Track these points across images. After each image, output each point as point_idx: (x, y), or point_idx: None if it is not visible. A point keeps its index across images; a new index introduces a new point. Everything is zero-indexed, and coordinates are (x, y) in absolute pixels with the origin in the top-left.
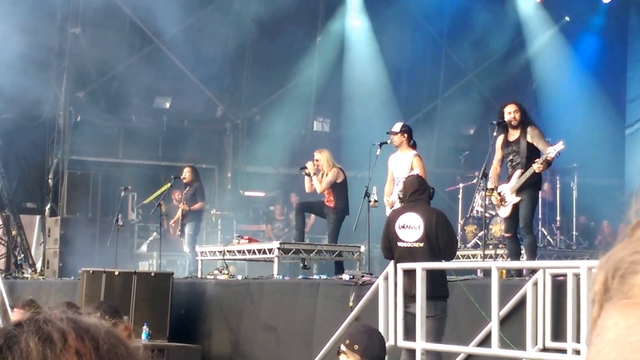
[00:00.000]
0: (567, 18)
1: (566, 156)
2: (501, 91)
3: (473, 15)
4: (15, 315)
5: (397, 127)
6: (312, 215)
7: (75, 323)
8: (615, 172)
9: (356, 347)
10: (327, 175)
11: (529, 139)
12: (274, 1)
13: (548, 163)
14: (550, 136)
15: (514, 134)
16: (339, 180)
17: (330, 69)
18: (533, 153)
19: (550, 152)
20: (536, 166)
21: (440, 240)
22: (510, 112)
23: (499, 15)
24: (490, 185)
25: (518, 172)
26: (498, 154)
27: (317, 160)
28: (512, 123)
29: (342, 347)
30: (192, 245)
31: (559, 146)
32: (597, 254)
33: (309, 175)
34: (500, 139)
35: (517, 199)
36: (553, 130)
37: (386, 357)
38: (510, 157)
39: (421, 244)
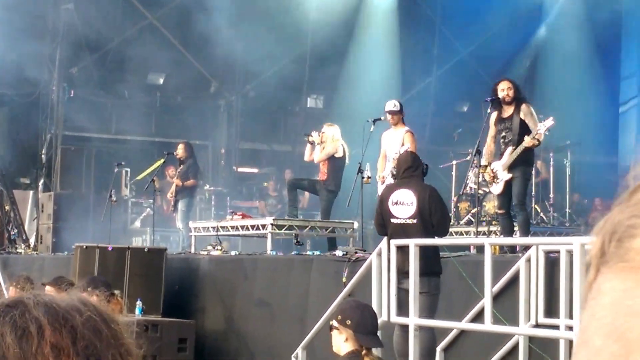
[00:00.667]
0: None
1: (560, 134)
2: (495, 69)
3: None
4: (11, 293)
5: (396, 105)
6: (307, 192)
7: (53, 312)
8: (608, 149)
9: (348, 322)
10: (327, 147)
11: (522, 116)
12: None
13: (538, 140)
14: (544, 114)
15: (507, 111)
16: (337, 155)
17: (324, 46)
18: (525, 130)
19: (540, 128)
20: (526, 141)
21: (434, 217)
22: (503, 89)
23: None
24: (483, 162)
25: (510, 149)
26: (492, 131)
27: (323, 132)
28: (506, 100)
29: (335, 323)
30: (185, 221)
31: (549, 122)
32: (590, 231)
33: (312, 143)
34: (494, 116)
35: (509, 175)
36: (547, 108)
37: (379, 333)
38: (503, 133)
39: (414, 220)
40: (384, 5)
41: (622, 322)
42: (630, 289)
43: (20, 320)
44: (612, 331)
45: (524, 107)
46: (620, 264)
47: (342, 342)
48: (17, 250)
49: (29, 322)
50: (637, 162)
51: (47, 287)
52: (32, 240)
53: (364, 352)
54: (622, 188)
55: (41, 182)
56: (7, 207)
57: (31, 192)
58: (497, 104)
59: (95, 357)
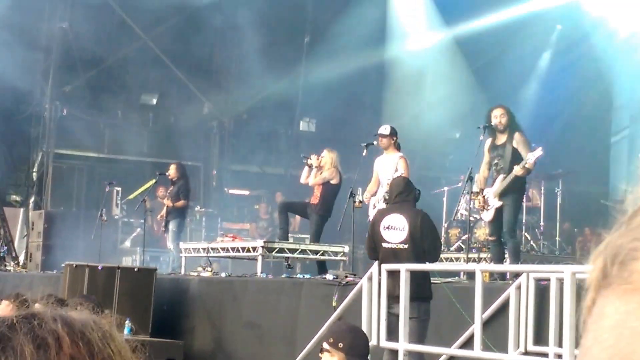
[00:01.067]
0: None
1: (551, 162)
2: (487, 96)
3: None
4: (2, 306)
5: (386, 129)
6: (297, 216)
7: (69, 326)
8: (600, 179)
9: (341, 345)
10: (324, 172)
11: (514, 144)
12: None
13: (528, 169)
14: (536, 142)
15: (501, 138)
16: (333, 181)
17: (318, 70)
18: (517, 158)
19: (530, 158)
20: (516, 170)
21: (425, 242)
22: (497, 116)
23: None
24: (475, 188)
25: (501, 176)
26: (485, 157)
27: (322, 157)
28: (499, 127)
29: (326, 346)
30: (176, 241)
31: (538, 152)
32: (584, 257)
33: (310, 166)
34: (488, 142)
35: (500, 203)
36: (539, 137)
37: (369, 356)
38: (496, 160)
39: (405, 246)
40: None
41: (626, 345)
42: (634, 310)
43: (39, 332)
44: (615, 354)
45: (517, 135)
46: (624, 286)
47: None
48: (7, 268)
49: (47, 334)
50: (635, 187)
51: (4, 302)
52: (21, 258)
53: None
54: (619, 212)
55: (32, 199)
56: None
57: (22, 210)
58: (492, 130)
59: None
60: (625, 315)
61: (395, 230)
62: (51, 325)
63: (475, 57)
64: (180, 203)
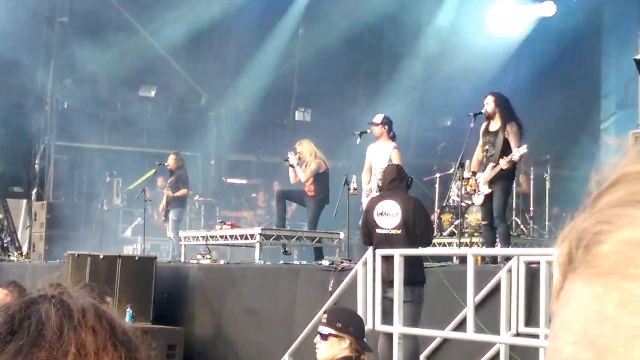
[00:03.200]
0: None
1: (540, 148)
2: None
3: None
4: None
5: (378, 118)
6: (294, 203)
7: (95, 306)
8: (589, 165)
9: (350, 329)
10: (310, 165)
11: (506, 134)
12: None
13: (513, 163)
14: (526, 129)
15: (494, 125)
16: (321, 171)
17: (312, 60)
18: (507, 148)
19: (515, 154)
20: (501, 164)
21: (417, 228)
22: (486, 103)
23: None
24: (467, 174)
25: (491, 164)
26: (480, 140)
27: (300, 152)
28: (484, 114)
29: (333, 331)
30: (175, 230)
31: (523, 150)
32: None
33: (292, 166)
34: (483, 126)
35: (489, 190)
36: (528, 123)
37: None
38: (487, 147)
39: (399, 231)
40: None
41: (593, 329)
42: (599, 294)
43: (64, 301)
44: (582, 338)
45: (510, 126)
46: (589, 271)
47: (340, 348)
48: (10, 258)
49: (72, 305)
50: (598, 169)
51: (0, 289)
52: (24, 248)
53: (362, 357)
54: (585, 195)
55: (34, 191)
56: (0, 216)
57: (24, 201)
58: (487, 116)
59: (131, 346)
60: (591, 299)
61: (389, 216)
62: (79, 300)
63: (465, 44)
64: (181, 192)
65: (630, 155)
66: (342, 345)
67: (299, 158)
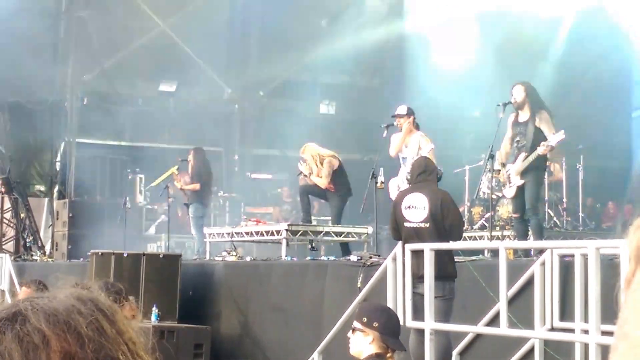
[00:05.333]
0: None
1: (572, 138)
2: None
3: None
4: (22, 294)
5: (403, 109)
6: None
7: (54, 319)
8: (621, 154)
9: (375, 324)
10: (322, 169)
11: (537, 122)
12: None
13: (551, 149)
14: (557, 119)
15: (523, 115)
16: (335, 167)
17: (337, 53)
18: (539, 137)
19: (551, 140)
20: (540, 149)
21: (446, 221)
22: (515, 93)
23: None
24: (497, 166)
25: (523, 154)
26: (508, 132)
27: (305, 160)
28: (513, 105)
29: (359, 325)
30: (196, 226)
31: (560, 135)
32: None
33: (307, 176)
34: (511, 117)
35: (522, 181)
36: (560, 113)
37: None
38: (517, 138)
39: (427, 224)
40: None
41: None
42: None
43: (23, 334)
44: None
45: (540, 114)
46: None
47: (366, 344)
48: (33, 258)
49: (32, 334)
50: None
51: (23, 288)
52: (47, 248)
53: (388, 354)
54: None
55: (56, 189)
56: (22, 215)
57: (46, 200)
58: (511, 107)
59: (106, 356)
60: None
61: (416, 209)
62: (35, 324)
63: (495, 32)
64: (192, 186)
65: None
66: (367, 341)
67: (312, 164)
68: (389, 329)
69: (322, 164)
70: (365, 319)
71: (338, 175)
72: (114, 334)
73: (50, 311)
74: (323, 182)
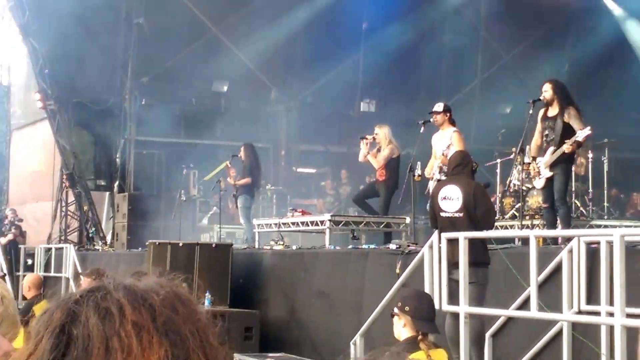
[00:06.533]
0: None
1: (598, 131)
2: (536, 72)
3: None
4: (84, 283)
5: (439, 106)
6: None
7: (132, 293)
8: None
9: (407, 309)
10: (383, 150)
11: (565, 118)
12: None
13: (578, 144)
14: (584, 113)
15: (552, 111)
16: (394, 156)
17: (376, 53)
18: (568, 132)
19: (579, 135)
20: (566, 147)
21: (478, 211)
22: (544, 90)
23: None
24: (527, 159)
25: (552, 148)
26: (538, 126)
27: (376, 134)
28: (543, 101)
29: (395, 310)
30: (244, 217)
31: (586, 131)
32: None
33: (364, 138)
34: (541, 112)
35: (550, 173)
36: (585, 108)
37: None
38: (546, 132)
39: (460, 214)
40: (431, 13)
41: None
42: None
43: (102, 303)
44: None
45: (569, 110)
46: None
47: (401, 327)
48: (95, 247)
49: (111, 304)
50: None
51: (85, 278)
52: (108, 238)
53: (419, 337)
54: None
55: (116, 184)
56: (85, 208)
57: (107, 194)
58: (542, 104)
59: (174, 332)
60: None
61: (451, 200)
62: (114, 295)
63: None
64: (244, 180)
65: None
66: (401, 324)
67: (374, 139)
68: (420, 312)
69: (386, 147)
70: (400, 304)
71: (392, 166)
72: (185, 314)
73: (130, 287)
74: (378, 163)
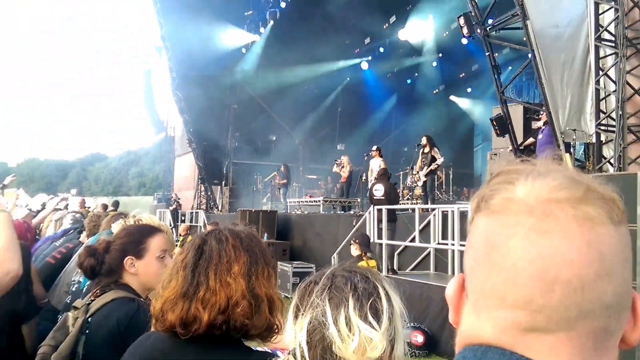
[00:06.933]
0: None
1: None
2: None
3: None
4: (209, 228)
5: (375, 147)
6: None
7: (231, 231)
8: (472, 167)
9: (357, 240)
10: (345, 167)
11: (432, 153)
12: None
13: (436, 166)
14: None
15: (426, 149)
16: (351, 170)
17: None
18: (433, 159)
19: (438, 161)
20: (431, 167)
21: (391, 196)
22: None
23: None
24: (413, 171)
25: (426, 168)
26: (420, 156)
27: (342, 159)
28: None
29: (352, 241)
30: (283, 198)
31: (440, 161)
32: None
33: (337, 163)
34: (421, 149)
35: (424, 179)
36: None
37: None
38: (423, 158)
39: (383, 197)
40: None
41: (486, 243)
42: (492, 223)
43: (218, 235)
44: (479, 248)
45: (433, 149)
46: (486, 211)
47: (354, 250)
48: (213, 212)
49: (221, 235)
50: (494, 163)
51: (208, 226)
52: (220, 207)
53: (363, 254)
54: (488, 175)
55: (223, 182)
56: (209, 193)
57: (219, 187)
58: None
59: (250, 250)
60: (487, 226)
61: (378, 190)
62: (223, 232)
63: None
64: (283, 182)
65: (501, 162)
66: (354, 248)
67: (341, 161)
68: (363, 242)
69: (347, 165)
70: (354, 239)
71: (350, 174)
72: (255, 242)
73: (230, 229)
74: (344, 173)
